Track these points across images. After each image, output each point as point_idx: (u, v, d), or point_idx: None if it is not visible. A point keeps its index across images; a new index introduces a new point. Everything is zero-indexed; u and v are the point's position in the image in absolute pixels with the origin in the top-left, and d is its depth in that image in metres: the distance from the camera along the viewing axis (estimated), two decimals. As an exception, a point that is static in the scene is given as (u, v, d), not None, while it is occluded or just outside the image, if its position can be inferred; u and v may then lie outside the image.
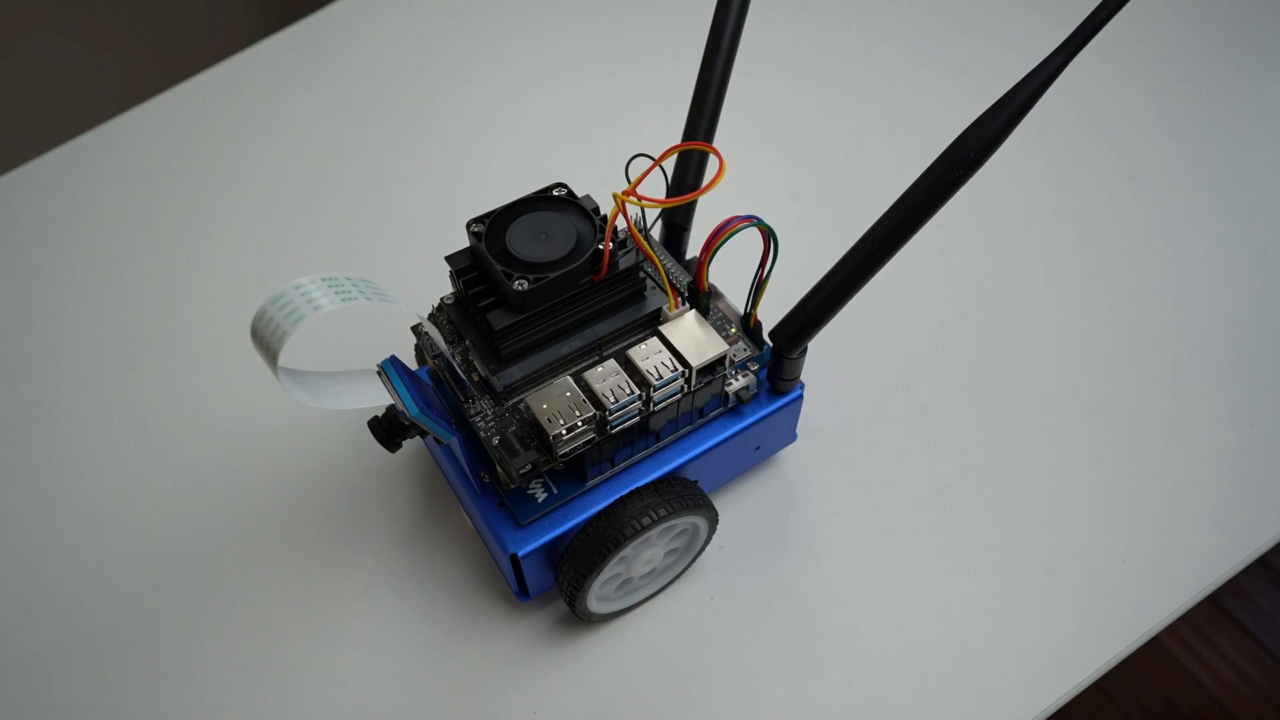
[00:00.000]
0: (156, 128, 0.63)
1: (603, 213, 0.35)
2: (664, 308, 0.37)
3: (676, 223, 0.43)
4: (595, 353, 0.36)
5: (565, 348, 0.36)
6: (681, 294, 0.39)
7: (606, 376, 0.34)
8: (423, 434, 0.35)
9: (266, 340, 0.28)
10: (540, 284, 0.33)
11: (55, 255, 0.56)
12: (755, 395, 0.40)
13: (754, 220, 0.34)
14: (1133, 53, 0.65)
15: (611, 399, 0.33)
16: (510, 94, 0.64)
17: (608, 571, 0.37)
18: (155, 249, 0.56)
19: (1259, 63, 0.65)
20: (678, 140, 0.42)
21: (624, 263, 0.35)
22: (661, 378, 0.34)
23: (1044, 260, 0.54)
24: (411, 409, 0.32)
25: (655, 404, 0.35)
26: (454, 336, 0.37)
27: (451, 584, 0.42)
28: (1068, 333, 0.51)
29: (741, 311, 0.39)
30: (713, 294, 0.40)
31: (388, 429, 0.36)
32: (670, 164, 0.41)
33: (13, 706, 0.40)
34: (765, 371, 0.39)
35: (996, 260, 0.54)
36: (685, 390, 0.36)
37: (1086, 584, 0.42)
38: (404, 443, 0.36)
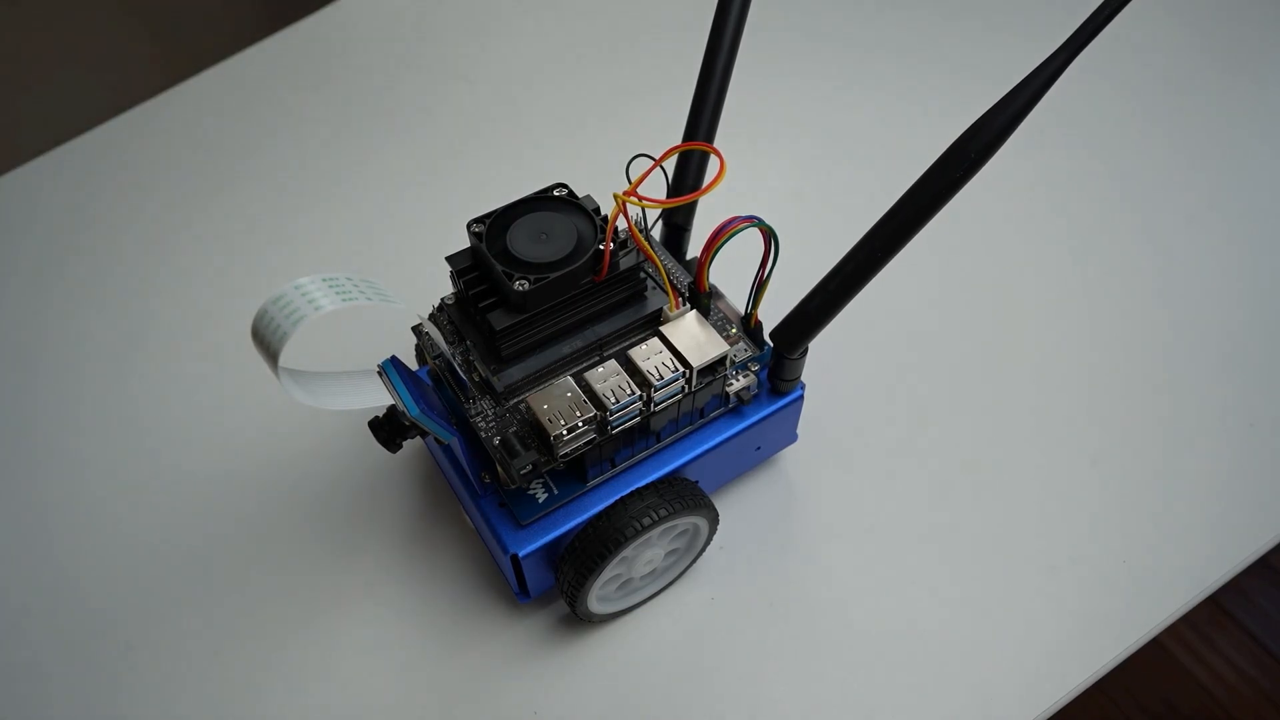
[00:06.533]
0: (156, 128, 0.63)
1: (603, 213, 0.35)
2: (665, 308, 0.37)
3: (677, 223, 0.43)
4: (596, 353, 0.36)
5: (566, 348, 0.36)
6: (682, 294, 0.39)
7: (607, 377, 0.34)
8: (423, 434, 0.35)
9: (267, 340, 0.28)
10: (541, 284, 0.33)
11: (54, 255, 0.56)
12: (756, 395, 0.40)
13: (755, 220, 0.34)
14: (1131, 54, 0.65)
15: (612, 399, 0.33)
16: (510, 94, 0.64)
17: (608, 572, 0.37)
18: (154, 249, 0.56)
19: (1255, 65, 0.65)
20: (678, 140, 0.42)
21: (625, 263, 0.35)
22: (662, 378, 0.34)
23: (1045, 260, 0.54)
24: (412, 409, 0.32)
25: (656, 404, 0.35)
26: (454, 337, 0.37)
27: (452, 584, 0.42)
28: (1068, 332, 0.51)
29: (742, 312, 0.39)
30: (713, 294, 0.40)
31: (388, 429, 0.36)
32: (671, 164, 0.41)
33: (12, 707, 0.40)
34: (766, 372, 0.39)
35: (997, 261, 0.54)
36: (686, 390, 0.36)
37: (1086, 584, 0.42)
38: (404, 443, 0.36)
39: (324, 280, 0.28)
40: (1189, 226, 0.56)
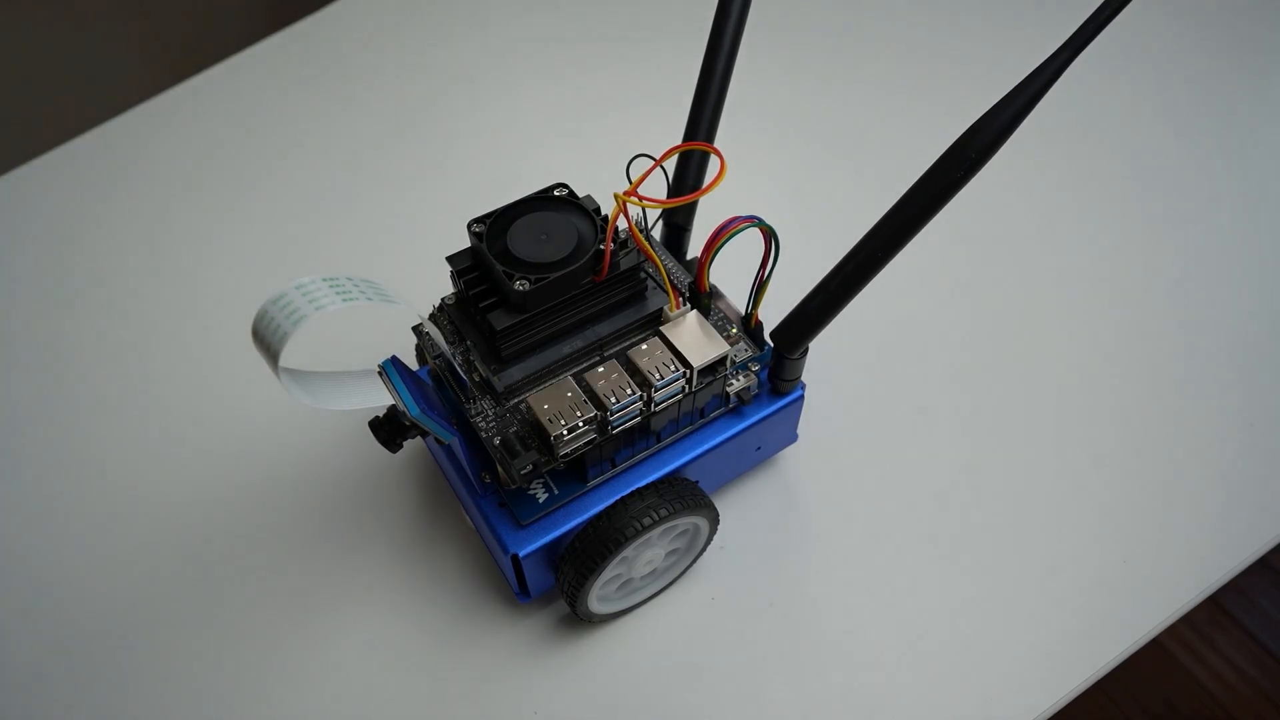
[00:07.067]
0: (155, 128, 0.63)
1: (604, 213, 0.35)
2: (665, 308, 0.37)
3: (677, 223, 0.43)
4: (596, 353, 0.36)
5: (566, 348, 0.36)
6: (683, 294, 0.39)
7: (608, 377, 0.34)
8: (423, 434, 0.35)
9: (268, 340, 0.28)
10: (541, 284, 0.33)
11: (54, 255, 0.56)
12: (756, 395, 0.40)
13: (755, 220, 0.34)
14: (1133, 51, 0.65)
15: (613, 399, 0.33)
16: (510, 93, 0.64)
17: (609, 572, 0.37)
18: (154, 250, 0.56)
19: (1262, 60, 0.65)
20: (679, 140, 0.42)
21: (625, 263, 0.35)
22: (663, 378, 0.34)
23: (1044, 261, 0.54)
24: (412, 409, 0.32)
25: (656, 404, 0.35)
26: (455, 337, 0.37)
27: (452, 584, 0.42)
28: (1069, 333, 0.51)
29: (743, 312, 0.39)
30: (714, 294, 0.40)
31: (389, 429, 0.36)
32: (671, 164, 0.41)
33: (12, 707, 0.40)
34: (766, 372, 0.39)
35: (997, 261, 0.54)
36: (686, 390, 0.36)
37: (1087, 584, 0.42)
38: (404, 443, 0.36)
39: (324, 280, 0.28)
40: (1190, 226, 0.56)
